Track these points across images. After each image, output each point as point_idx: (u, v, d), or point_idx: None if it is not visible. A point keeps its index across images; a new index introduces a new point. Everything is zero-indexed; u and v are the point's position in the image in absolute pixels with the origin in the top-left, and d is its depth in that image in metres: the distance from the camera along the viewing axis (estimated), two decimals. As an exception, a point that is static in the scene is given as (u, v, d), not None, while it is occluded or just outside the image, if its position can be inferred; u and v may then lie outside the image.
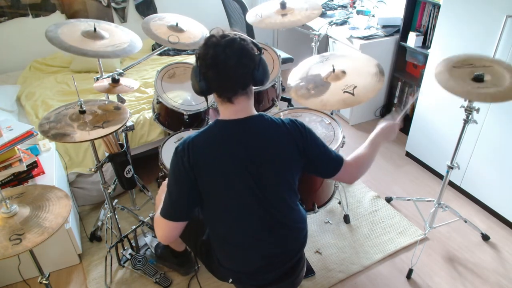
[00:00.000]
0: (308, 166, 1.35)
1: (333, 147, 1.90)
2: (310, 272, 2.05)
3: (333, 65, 1.82)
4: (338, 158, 1.39)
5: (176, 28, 2.08)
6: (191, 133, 1.39)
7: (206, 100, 1.32)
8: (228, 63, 1.17)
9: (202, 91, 1.25)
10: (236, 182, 1.25)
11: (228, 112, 1.25)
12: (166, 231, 1.30)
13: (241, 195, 1.26)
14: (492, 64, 1.73)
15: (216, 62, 1.17)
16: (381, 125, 1.53)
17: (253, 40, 1.23)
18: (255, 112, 1.29)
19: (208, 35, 1.21)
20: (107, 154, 1.88)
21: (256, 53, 1.22)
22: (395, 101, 3.31)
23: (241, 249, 1.36)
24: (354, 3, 3.57)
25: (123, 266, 2.11)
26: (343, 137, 1.97)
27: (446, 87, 1.66)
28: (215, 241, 1.42)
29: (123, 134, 2.12)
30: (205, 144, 1.24)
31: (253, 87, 1.28)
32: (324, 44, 3.61)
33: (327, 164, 1.38)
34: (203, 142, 1.24)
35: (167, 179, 1.33)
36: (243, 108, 1.25)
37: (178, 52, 3.39)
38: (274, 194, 1.29)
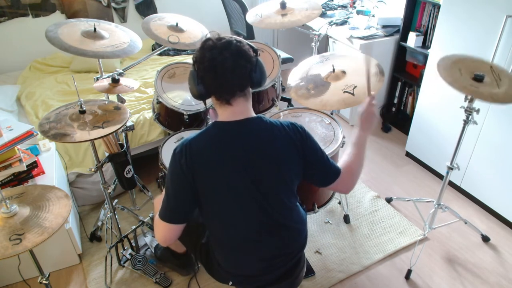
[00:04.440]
0: (305, 172, 1.34)
1: (333, 147, 1.90)
2: (310, 272, 2.05)
3: (333, 65, 1.82)
4: (336, 168, 1.37)
5: (176, 28, 2.08)
6: (191, 133, 1.39)
7: (205, 103, 1.32)
8: (225, 65, 1.17)
9: (200, 95, 1.25)
10: (234, 184, 1.24)
11: (226, 114, 1.25)
12: (164, 233, 1.30)
13: (240, 198, 1.26)
14: (490, 67, 1.74)
15: (214, 65, 1.17)
16: (360, 119, 1.46)
17: (249, 42, 1.24)
18: (254, 114, 1.28)
19: (204, 38, 1.21)
20: (107, 154, 1.88)
21: (253, 55, 1.22)
22: (395, 101, 3.31)
23: (241, 252, 1.36)
24: (354, 3, 3.57)
25: (123, 266, 2.11)
26: (343, 137, 1.97)
27: (447, 81, 1.65)
28: (215, 244, 1.42)
29: (123, 134, 2.11)
30: (203, 146, 1.23)
31: (251, 89, 1.28)
32: (324, 44, 3.61)
33: (325, 172, 1.37)
34: (201, 144, 1.24)
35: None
36: (241, 110, 1.25)
37: (178, 52, 3.39)
38: (273, 196, 1.29)
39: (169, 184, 1.26)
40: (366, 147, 1.44)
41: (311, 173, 1.36)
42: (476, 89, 1.62)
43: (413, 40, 2.85)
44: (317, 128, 2.05)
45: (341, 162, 1.42)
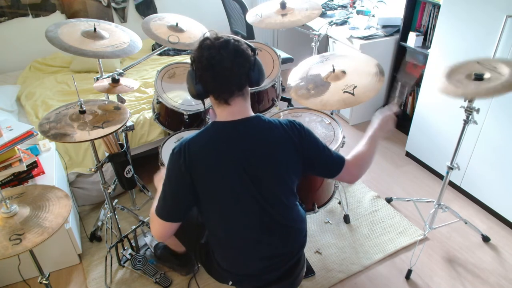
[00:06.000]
0: (309, 167, 1.35)
1: (333, 147, 1.90)
2: (310, 272, 2.05)
3: (333, 65, 1.82)
4: (340, 159, 1.38)
5: (176, 28, 2.08)
6: (191, 133, 1.39)
7: (203, 103, 1.32)
8: (223, 64, 1.17)
9: (198, 94, 1.25)
10: (233, 184, 1.24)
11: (225, 113, 1.25)
12: (160, 229, 1.31)
13: (239, 197, 1.26)
14: (488, 63, 1.73)
15: (212, 64, 1.17)
16: (377, 118, 1.53)
17: (247, 42, 1.24)
18: (252, 114, 1.29)
19: (202, 38, 1.21)
20: (107, 154, 1.88)
21: (251, 54, 1.22)
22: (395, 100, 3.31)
23: (241, 251, 1.36)
24: (354, 3, 3.57)
25: (123, 266, 2.11)
26: (343, 137, 1.97)
27: (448, 93, 1.65)
28: (215, 243, 1.42)
29: (123, 134, 2.12)
30: (202, 146, 1.24)
31: (250, 88, 1.28)
32: (324, 44, 3.61)
33: (328, 164, 1.38)
34: (199, 144, 1.24)
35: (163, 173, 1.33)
36: (240, 109, 1.25)
37: (178, 52, 3.39)
38: (272, 195, 1.29)
39: (166, 183, 1.26)
40: (379, 142, 1.49)
41: (314, 167, 1.36)
42: (480, 88, 1.61)
43: (413, 40, 2.85)
44: (317, 128, 2.05)
45: (352, 151, 1.44)
